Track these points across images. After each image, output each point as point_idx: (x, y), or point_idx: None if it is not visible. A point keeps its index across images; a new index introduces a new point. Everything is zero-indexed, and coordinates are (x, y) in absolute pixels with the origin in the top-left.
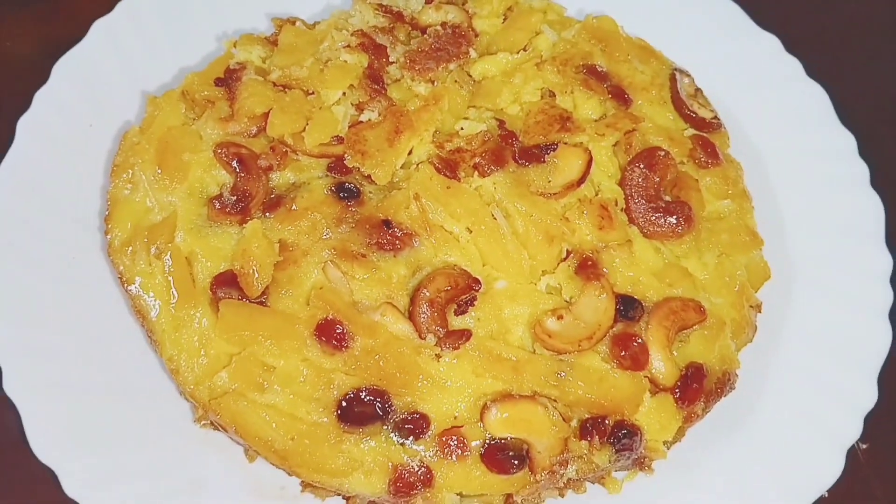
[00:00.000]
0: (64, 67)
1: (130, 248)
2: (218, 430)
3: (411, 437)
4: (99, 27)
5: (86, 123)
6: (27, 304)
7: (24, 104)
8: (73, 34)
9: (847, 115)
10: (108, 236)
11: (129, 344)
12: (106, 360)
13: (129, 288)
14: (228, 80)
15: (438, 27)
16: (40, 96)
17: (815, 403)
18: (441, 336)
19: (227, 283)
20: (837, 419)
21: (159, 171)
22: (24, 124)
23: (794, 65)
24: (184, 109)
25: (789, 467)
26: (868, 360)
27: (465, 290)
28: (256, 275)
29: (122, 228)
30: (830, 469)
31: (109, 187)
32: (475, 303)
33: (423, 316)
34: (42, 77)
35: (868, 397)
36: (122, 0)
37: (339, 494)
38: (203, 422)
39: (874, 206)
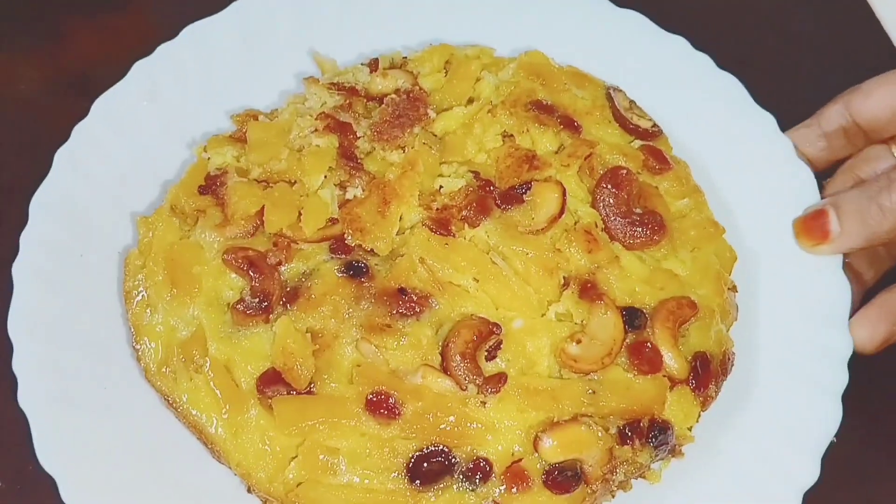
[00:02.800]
0: (40, 203)
1: (167, 369)
2: None
3: (480, 482)
4: (62, 156)
5: (77, 254)
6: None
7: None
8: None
9: (761, 98)
10: (142, 363)
11: (189, 454)
12: (174, 466)
13: (178, 407)
14: (212, 186)
15: (393, 95)
16: (25, 238)
17: (802, 356)
18: (480, 384)
19: (272, 381)
20: (825, 370)
21: (174, 290)
22: (19, 267)
23: (704, 60)
24: (177, 223)
25: (795, 425)
26: (836, 309)
27: (488, 336)
28: (300, 368)
29: (154, 352)
30: (832, 418)
31: (128, 314)
32: (501, 346)
33: (458, 369)
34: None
35: (846, 344)
36: (75, 127)
37: None
38: None
39: (804, 172)
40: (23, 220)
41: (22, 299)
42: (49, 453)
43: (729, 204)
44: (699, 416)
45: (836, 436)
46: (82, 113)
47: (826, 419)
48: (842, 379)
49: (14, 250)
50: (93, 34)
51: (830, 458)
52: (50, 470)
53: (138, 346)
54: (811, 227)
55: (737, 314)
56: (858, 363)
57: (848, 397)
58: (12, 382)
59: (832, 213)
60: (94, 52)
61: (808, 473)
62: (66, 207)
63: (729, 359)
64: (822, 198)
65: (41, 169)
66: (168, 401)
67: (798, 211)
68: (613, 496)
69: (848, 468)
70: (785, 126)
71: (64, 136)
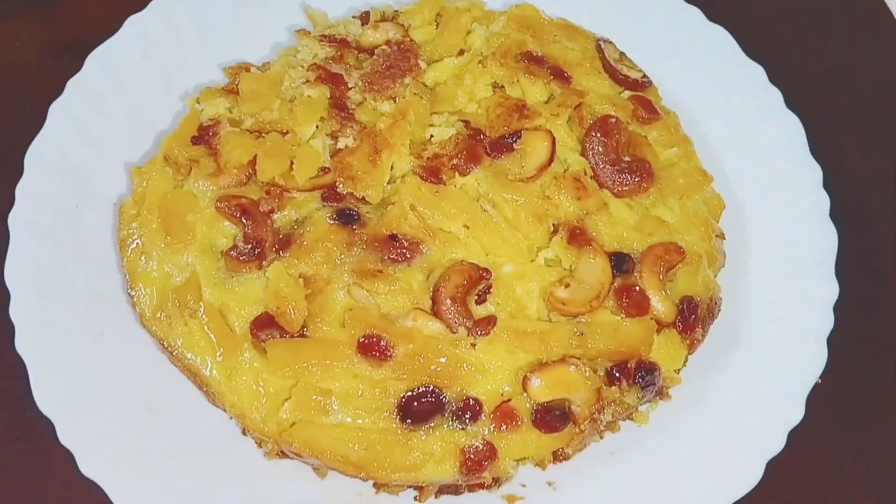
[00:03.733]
0: (35, 156)
1: (162, 314)
2: (288, 457)
3: (470, 421)
4: (56, 110)
5: (72, 205)
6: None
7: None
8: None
9: (751, 50)
10: (137, 308)
11: (183, 397)
12: (168, 410)
13: (173, 351)
14: (206, 136)
15: (385, 46)
16: (21, 190)
17: (789, 301)
18: (470, 327)
19: (266, 325)
20: (811, 314)
21: (168, 238)
22: (14, 218)
23: (694, 13)
24: (171, 173)
25: (780, 367)
26: (824, 256)
27: (478, 281)
28: (293, 312)
29: (148, 297)
30: (818, 359)
31: (123, 262)
32: (491, 290)
33: (449, 312)
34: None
35: (832, 290)
36: (70, 80)
37: (412, 487)
38: (274, 454)
39: (793, 123)
40: (19, 173)
41: (18, 249)
42: (47, 397)
43: (718, 154)
44: (686, 358)
45: (821, 377)
46: (77, 72)
47: (812, 361)
48: (827, 323)
49: (10, 202)
50: None
51: (816, 401)
52: (48, 413)
53: (133, 293)
54: None
55: (724, 261)
56: (845, 309)
57: (835, 343)
58: (10, 330)
59: None
60: (89, 14)
61: (794, 413)
62: (60, 160)
63: (716, 303)
64: None
65: (37, 126)
66: (163, 345)
67: (787, 160)
68: (602, 437)
69: (833, 411)
70: (774, 78)
71: (59, 94)
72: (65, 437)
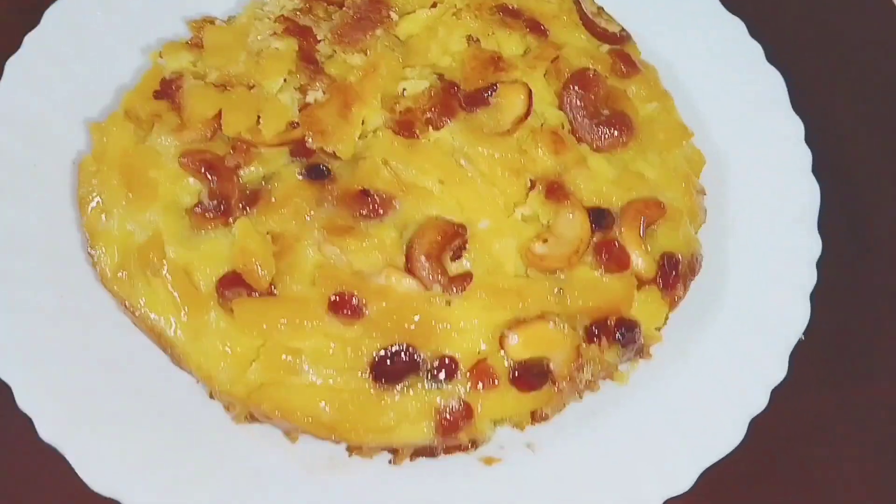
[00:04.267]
0: None
1: (123, 273)
2: (258, 421)
3: (445, 380)
4: (13, 65)
5: (30, 163)
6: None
7: None
8: None
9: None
10: (97, 268)
11: (147, 360)
12: (131, 374)
13: (136, 311)
14: (168, 90)
15: None
16: None
17: (771, 257)
18: (445, 283)
19: (233, 283)
20: (794, 270)
21: (130, 194)
22: None
23: None
24: (132, 129)
25: (763, 324)
26: (806, 211)
27: (453, 237)
28: (261, 269)
29: (109, 257)
30: (800, 315)
31: (82, 220)
32: (466, 246)
33: (423, 270)
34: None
35: (815, 245)
36: (27, 35)
37: (386, 450)
38: (242, 418)
39: (774, 76)
40: None
41: None
42: (4, 360)
43: (698, 109)
44: (667, 316)
45: (804, 334)
46: (35, 27)
47: (794, 317)
48: (810, 278)
49: None
50: None
51: (800, 359)
52: (5, 377)
53: (93, 252)
54: None
55: (705, 217)
56: (829, 264)
57: (818, 299)
58: None
59: None
60: None
61: (777, 370)
62: (18, 116)
63: (697, 260)
64: None
65: None
66: (125, 305)
67: (768, 115)
68: (581, 398)
69: (818, 368)
70: (755, 32)
71: (15, 50)
72: (23, 402)
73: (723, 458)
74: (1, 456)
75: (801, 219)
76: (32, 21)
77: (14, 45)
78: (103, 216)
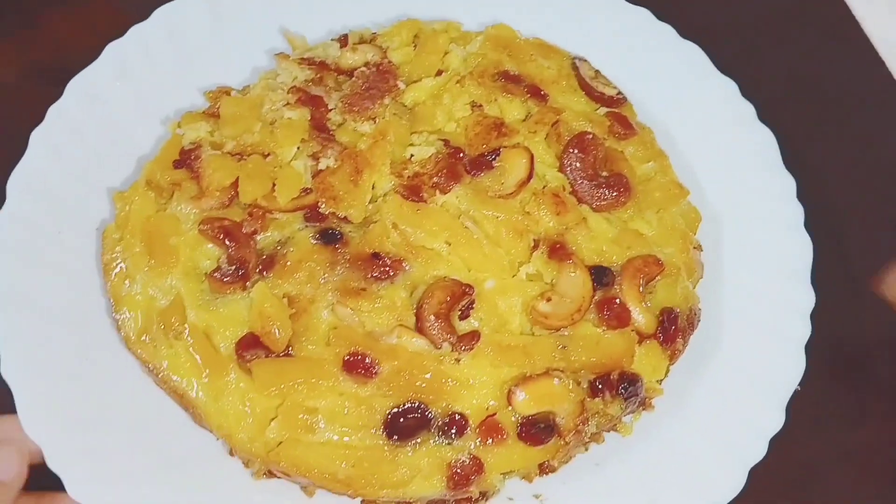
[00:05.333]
0: (17, 183)
1: (147, 337)
2: (276, 477)
3: (455, 436)
4: (38, 137)
5: (55, 231)
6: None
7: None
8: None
9: (723, 65)
10: (122, 332)
11: (169, 420)
12: (155, 432)
13: (159, 373)
14: (187, 160)
15: (363, 68)
16: (3, 217)
17: (766, 310)
18: (454, 342)
19: (251, 345)
20: (789, 322)
21: (152, 261)
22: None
23: (666, 30)
24: (153, 197)
25: (759, 375)
26: (799, 265)
27: (461, 297)
28: (278, 332)
29: (133, 321)
30: (796, 367)
31: (107, 286)
32: (474, 305)
33: (433, 329)
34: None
35: (808, 298)
36: (50, 108)
37: (400, 503)
38: (261, 474)
39: (765, 135)
40: (1, 200)
41: (2, 275)
42: (34, 422)
43: (693, 167)
44: (668, 369)
45: (800, 384)
46: (57, 97)
47: (790, 368)
48: (804, 330)
49: None
50: (66, 21)
51: (797, 408)
52: (35, 438)
53: (118, 316)
54: None
55: (702, 272)
56: (822, 317)
57: (812, 350)
58: None
59: None
60: (68, 39)
61: (774, 420)
62: (42, 186)
63: (695, 314)
64: None
65: (18, 152)
66: (149, 368)
67: (761, 172)
68: (587, 449)
69: (814, 417)
70: (746, 92)
71: (39, 121)
72: (52, 462)
73: None
74: None
75: (794, 273)
76: (56, 90)
77: (39, 117)
78: (127, 282)
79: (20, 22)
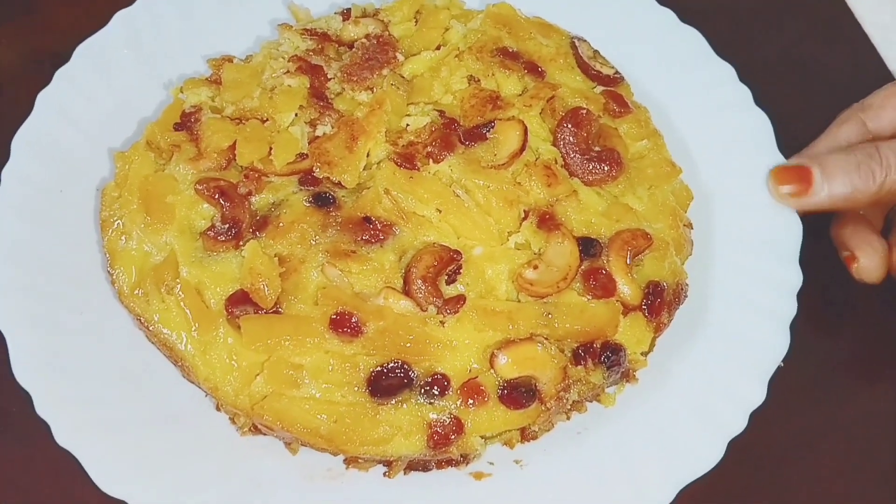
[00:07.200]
0: (22, 142)
1: (140, 291)
2: (261, 433)
3: (437, 396)
4: (44, 98)
5: (56, 190)
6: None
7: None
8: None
9: (722, 50)
10: (116, 285)
11: (159, 373)
12: (144, 385)
13: (150, 327)
14: (187, 123)
15: (364, 40)
16: (7, 173)
17: (753, 288)
18: (440, 305)
19: (240, 301)
20: (775, 300)
21: (148, 218)
22: (0, 201)
23: (667, 14)
24: (153, 157)
25: (743, 351)
26: (788, 245)
27: (449, 262)
28: (267, 289)
29: (127, 275)
30: (780, 344)
31: (104, 242)
32: (461, 271)
33: (419, 292)
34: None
35: (795, 277)
36: (57, 71)
37: (381, 462)
38: (247, 429)
39: (761, 118)
40: (5, 158)
41: (3, 229)
42: (26, 370)
43: (687, 147)
44: (653, 341)
45: (783, 361)
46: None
47: (774, 345)
48: (790, 309)
49: None
50: (65, 5)
51: (780, 385)
52: (26, 385)
53: (113, 271)
54: (793, 177)
55: (691, 249)
56: (808, 296)
57: (798, 329)
58: None
59: (816, 170)
60: (70, 24)
61: (755, 395)
62: (47, 145)
63: (682, 288)
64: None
65: (23, 117)
66: (140, 321)
67: (754, 154)
68: (569, 417)
69: (796, 395)
70: (743, 75)
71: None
72: (41, 408)
73: (702, 477)
74: (19, 457)
75: (783, 252)
76: (64, 58)
77: (46, 80)
78: (123, 238)
79: (21, 7)
